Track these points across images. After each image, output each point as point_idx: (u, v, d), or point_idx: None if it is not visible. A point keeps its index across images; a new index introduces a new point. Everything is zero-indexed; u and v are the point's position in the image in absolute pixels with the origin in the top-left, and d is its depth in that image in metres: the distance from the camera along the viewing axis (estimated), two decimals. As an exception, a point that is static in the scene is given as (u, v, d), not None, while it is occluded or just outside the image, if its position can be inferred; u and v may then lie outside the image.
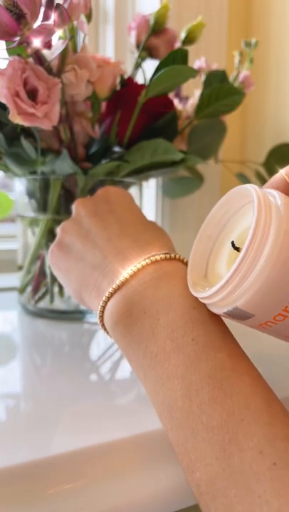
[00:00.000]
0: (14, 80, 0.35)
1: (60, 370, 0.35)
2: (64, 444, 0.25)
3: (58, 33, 0.38)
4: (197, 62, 0.54)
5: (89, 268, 0.30)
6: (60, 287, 0.47)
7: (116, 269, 0.28)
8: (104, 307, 0.28)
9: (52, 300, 0.47)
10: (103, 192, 0.35)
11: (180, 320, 0.24)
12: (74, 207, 0.35)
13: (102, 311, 0.28)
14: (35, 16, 0.33)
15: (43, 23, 0.34)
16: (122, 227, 0.31)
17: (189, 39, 0.46)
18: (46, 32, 0.34)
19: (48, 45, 0.39)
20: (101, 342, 0.42)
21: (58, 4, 0.33)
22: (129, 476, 0.25)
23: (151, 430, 0.26)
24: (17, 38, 0.34)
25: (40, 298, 0.48)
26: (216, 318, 0.25)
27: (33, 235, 0.48)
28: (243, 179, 0.62)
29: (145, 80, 0.45)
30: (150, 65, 0.45)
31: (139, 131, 0.45)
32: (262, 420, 0.19)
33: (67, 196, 0.45)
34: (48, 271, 0.47)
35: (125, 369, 0.36)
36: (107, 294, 0.27)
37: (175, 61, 0.42)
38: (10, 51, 0.38)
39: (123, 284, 0.27)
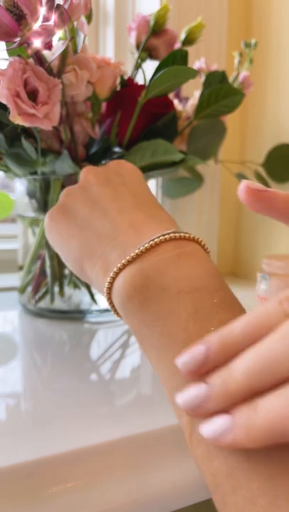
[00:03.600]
0: (15, 81, 0.35)
1: (61, 369, 0.35)
2: (64, 443, 0.25)
3: (59, 33, 0.38)
4: (197, 62, 0.54)
5: (95, 237, 0.28)
6: (61, 287, 0.47)
7: (129, 240, 0.26)
8: (113, 280, 0.25)
9: (52, 300, 0.47)
10: (116, 164, 0.32)
11: (205, 301, 0.22)
12: (82, 174, 0.32)
13: (111, 285, 0.25)
14: (35, 17, 0.33)
15: (44, 23, 0.34)
16: (136, 200, 0.29)
17: (189, 40, 0.46)
18: (46, 33, 0.34)
19: (48, 45, 0.39)
20: (101, 342, 0.42)
21: (58, 5, 0.34)
22: (129, 476, 0.25)
23: (151, 430, 0.26)
24: (17, 39, 0.34)
25: (41, 298, 0.48)
26: (239, 304, 0.23)
27: (34, 235, 0.48)
28: (243, 179, 0.62)
29: (145, 80, 0.45)
30: (150, 66, 0.45)
31: (139, 131, 0.46)
32: None
33: (68, 196, 0.45)
34: (48, 271, 0.47)
35: (125, 369, 0.36)
36: (119, 265, 0.25)
37: (175, 62, 0.42)
38: (10, 52, 0.38)
39: (138, 256, 0.24)
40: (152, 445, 0.26)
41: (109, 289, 0.25)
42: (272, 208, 0.23)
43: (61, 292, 0.47)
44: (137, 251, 0.24)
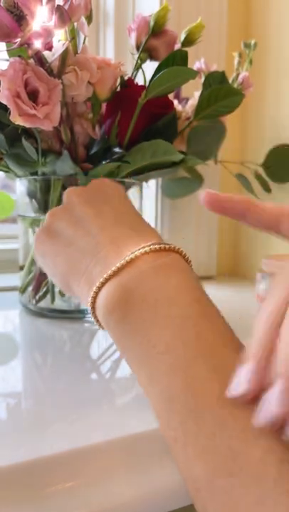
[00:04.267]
0: (15, 81, 0.35)
1: (61, 369, 0.35)
2: (64, 442, 0.25)
3: (59, 34, 0.38)
4: (197, 63, 0.54)
5: (79, 253, 0.29)
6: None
7: (110, 255, 0.27)
8: (96, 295, 0.26)
9: (53, 299, 0.47)
10: (98, 182, 0.34)
11: (183, 312, 0.23)
12: (66, 195, 0.33)
13: (94, 300, 0.26)
14: (35, 18, 0.34)
15: (44, 24, 0.34)
16: (117, 216, 0.30)
17: (189, 40, 0.47)
18: (47, 33, 0.34)
19: (48, 46, 0.39)
20: (102, 341, 0.42)
21: (58, 6, 0.34)
22: (129, 475, 0.25)
23: (151, 430, 0.26)
24: (18, 40, 0.34)
25: (41, 297, 0.48)
26: (219, 314, 0.24)
27: (34, 235, 0.48)
28: (243, 180, 0.62)
29: (145, 81, 0.45)
30: (150, 67, 0.45)
31: (139, 132, 0.46)
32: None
33: (68, 197, 0.45)
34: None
35: (126, 368, 0.36)
36: (101, 279, 0.26)
37: (175, 62, 0.42)
38: (11, 52, 0.38)
39: (119, 270, 0.25)
40: (152, 445, 0.26)
41: (93, 303, 0.27)
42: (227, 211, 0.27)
43: (61, 292, 0.47)
44: (118, 265, 0.25)
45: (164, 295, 0.24)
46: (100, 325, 0.28)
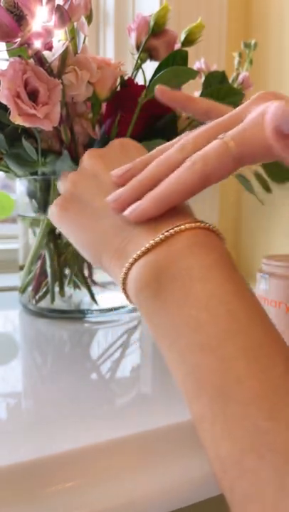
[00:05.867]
0: (15, 81, 0.35)
1: (61, 369, 0.35)
2: (64, 442, 0.25)
3: (59, 34, 0.38)
4: (197, 63, 0.54)
5: (112, 229, 0.28)
6: (61, 287, 0.47)
7: (144, 233, 0.26)
8: (127, 272, 0.26)
9: (53, 299, 0.47)
10: (119, 144, 0.32)
11: (216, 290, 0.23)
12: (87, 159, 0.31)
13: (126, 275, 0.26)
14: (35, 18, 0.34)
15: (44, 24, 0.34)
16: None
17: (189, 40, 0.47)
18: (47, 33, 0.34)
19: (48, 46, 0.39)
20: (101, 341, 0.42)
21: (58, 5, 0.34)
22: (129, 475, 0.25)
23: (152, 429, 0.26)
24: (18, 40, 0.34)
25: (41, 297, 0.48)
26: (252, 293, 0.24)
27: (34, 235, 0.48)
28: (243, 180, 0.62)
29: (145, 80, 0.45)
30: (150, 66, 0.45)
31: (139, 131, 0.46)
32: None
33: (68, 196, 0.45)
34: (48, 271, 0.47)
35: (125, 368, 0.36)
36: (134, 256, 0.25)
37: (175, 62, 0.42)
38: (11, 52, 0.38)
39: (152, 248, 0.25)
40: (152, 444, 0.26)
41: (124, 279, 0.26)
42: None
43: (61, 292, 0.47)
44: (151, 242, 0.25)
45: (197, 274, 0.24)
46: (130, 300, 0.27)
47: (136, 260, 0.25)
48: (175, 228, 0.25)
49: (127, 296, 0.27)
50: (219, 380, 0.20)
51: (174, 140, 0.29)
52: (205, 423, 0.20)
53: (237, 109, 0.27)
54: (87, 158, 0.31)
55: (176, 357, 0.23)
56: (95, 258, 0.30)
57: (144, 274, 0.25)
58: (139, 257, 0.25)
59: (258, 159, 0.27)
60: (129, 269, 0.26)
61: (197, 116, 0.34)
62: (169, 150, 0.27)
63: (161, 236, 0.25)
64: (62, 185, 0.32)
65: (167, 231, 0.25)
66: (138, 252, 0.25)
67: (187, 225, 0.26)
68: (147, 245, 0.25)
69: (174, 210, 0.27)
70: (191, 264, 0.24)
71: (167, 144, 0.29)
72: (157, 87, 0.34)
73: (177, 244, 0.25)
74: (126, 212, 0.26)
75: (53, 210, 0.31)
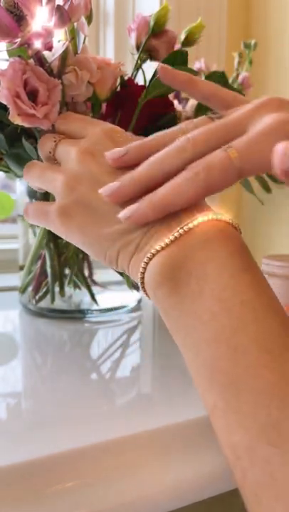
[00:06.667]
0: (14, 81, 0.35)
1: (61, 369, 0.35)
2: (64, 442, 0.25)
3: (59, 34, 0.38)
4: (197, 63, 0.54)
5: (129, 226, 0.27)
6: (61, 287, 0.47)
7: (161, 230, 0.26)
8: (145, 268, 0.26)
9: (53, 299, 0.47)
10: (102, 132, 0.31)
11: (230, 281, 0.23)
12: (76, 159, 0.30)
13: (144, 272, 0.26)
14: (35, 18, 0.34)
15: (44, 24, 0.34)
16: None
17: (189, 40, 0.47)
18: (47, 33, 0.34)
19: (48, 46, 0.39)
20: (101, 341, 0.42)
21: (58, 6, 0.34)
22: (129, 475, 0.25)
23: (152, 429, 0.26)
24: (18, 40, 0.34)
25: (41, 297, 0.48)
26: (267, 285, 0.24)
27: (34, 235, 0.49)
28: (243, 180, 0.62)
29: (145, 81, 0.45)
30: (150, 66, 0.45)
31: (139, 132, 0.46)
32: None
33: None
34: (48, 271, 0.47)
35: (126, 368, 0.36)
36: (153, 250, 0.26)
37: (175, 62, 0.42)
38: (10, 52, 0.38)
39: (171, 243, 0.25)
40: (152, 444, 0.26)
41: (142, 278, 0.27)
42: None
43: (62, 292, 0.47)
44: (166, 240, 0.25)
45: (213, 265, 0.24)
46: (149, 298, 0.27)
47: (153, 255, 0.26)
48: (190, 225, 0.25)
49: (146, 294, 0.28)
50: (231, 369, 0.21)
51: (174, 129, 0.28)
52: (218, 411, 0.21)
53: (239, 113, 0.27)
54: (77, 160, 0.30)
55: (191, 349, 0.23)
56: (110, 259, 0.29)
57: (160, 271, 0.25)
58: (158, 251, 0.26)
59: (258, 174, 0.27)
60: (145, 267, 0.26)
61: (197, 99, 0.34)
62: (166, 148, 0.26)
63: (176, 234, 0.25)
64: (42, 147, 0.34)
65: (182, 228, 0.25)
66: (157, 247, 0.26)
67: (200, 219, 0.26)
68: (163, 244, 0.25)
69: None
70: (206, 257, 0.24)
71: (164, 132, 0.29)
72: (160, 65, 0.33)
73: (193, 240, 0.25)
74: (123, 215, 0.26)
75: (53, 220, 0.30)
